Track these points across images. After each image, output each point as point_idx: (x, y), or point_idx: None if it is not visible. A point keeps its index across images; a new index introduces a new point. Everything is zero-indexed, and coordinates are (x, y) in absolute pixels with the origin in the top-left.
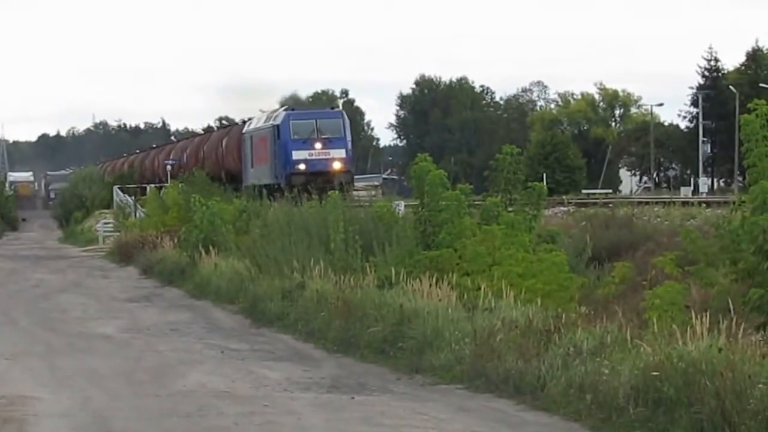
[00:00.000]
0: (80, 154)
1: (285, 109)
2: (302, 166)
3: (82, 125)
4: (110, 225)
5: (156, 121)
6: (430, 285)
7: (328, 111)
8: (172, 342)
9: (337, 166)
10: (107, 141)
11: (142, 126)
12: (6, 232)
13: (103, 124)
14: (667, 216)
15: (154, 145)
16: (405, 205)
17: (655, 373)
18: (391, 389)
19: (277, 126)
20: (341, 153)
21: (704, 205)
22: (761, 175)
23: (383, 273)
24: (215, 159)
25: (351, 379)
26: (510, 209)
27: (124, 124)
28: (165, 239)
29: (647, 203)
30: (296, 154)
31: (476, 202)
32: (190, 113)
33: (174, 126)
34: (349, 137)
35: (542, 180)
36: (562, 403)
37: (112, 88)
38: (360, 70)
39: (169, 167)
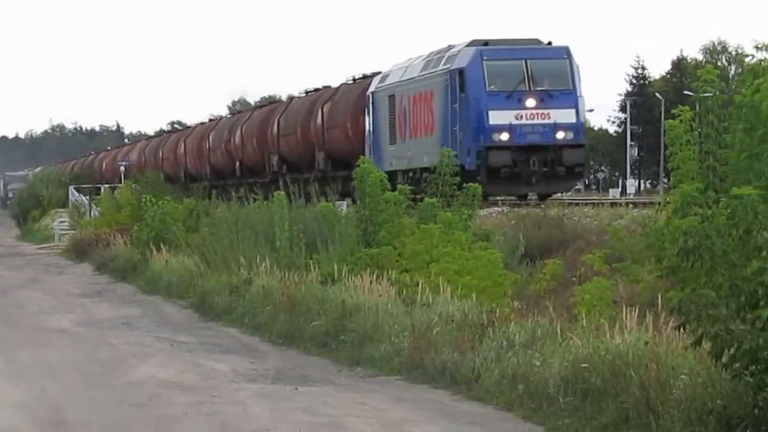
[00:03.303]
0: (38, 156)
1: (470, 44)
2: (505, 136)
3: (40, 128)
4: (66, 223)
5: (111, 124)
6: (371, 281)
7: (544, 48)
8: (124, 335)
9: (561, 136)
10: (64, 143)
11: (97, 129)
12: None
13: (60, 127)
14: (596, 216)
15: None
16: (347, 205)
17: (583, 365)
18: (333, 380)
19: (460, 71)
20: (569, 115)
21: (631, 205)
22: (684, 178)
23: (326, 269)
24: (302, 136)
25: (295, 371)
26: (447, 209)
27: (80, 127)
28: (118, 237)
29: (577, 204)
30: (495, 117)
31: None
32: (143, 116)
33: (128, 129)
34: (580, 91)
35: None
36: (495, 394)
37: (68, 92)
38: (311, 77)
39: (122, 168)
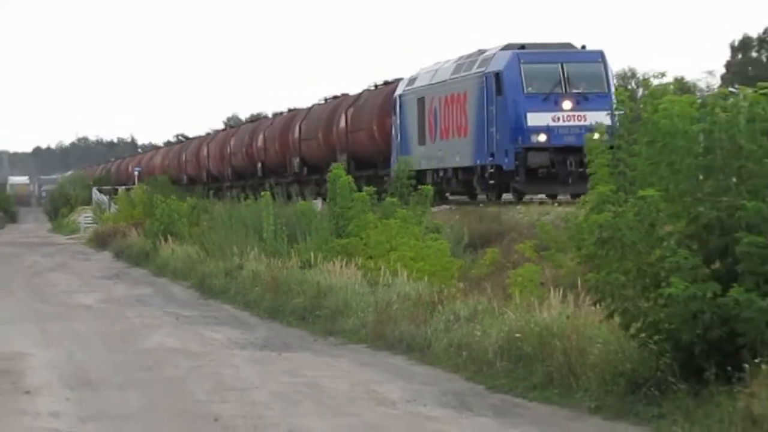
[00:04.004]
0: (67, 163)
1: (505, 47)
2: (542, 138)
3: (68, 139)
4: (90, 218)
5: (126, 136)
6: (341, 266)
7: (579, 51)
8: (138, 310)
9: (597, 137)
10: (87, 152)
11: (115, 140)
12: (7, 224)
13: (84, 139)
14: (527, 213)
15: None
16: (321, 203)
17: (516, 335)
18: (310, 348)
19: (497, 74)
20: (605, 118)
21: (556, 204)
22: (600, 181)
23: (304, 257)
24: (323, 139)
25: (278, 340)
26: (404, 207)
27: (101, 139)
28: (133, 230)
29: (512, 203)
30: (533, 118)
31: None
32: (152, 130)
33: (140, 140)
34: (614, 95)
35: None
36: (444, 359)
37: (91, 109)
38: (294, 97)
39: (136, 173)
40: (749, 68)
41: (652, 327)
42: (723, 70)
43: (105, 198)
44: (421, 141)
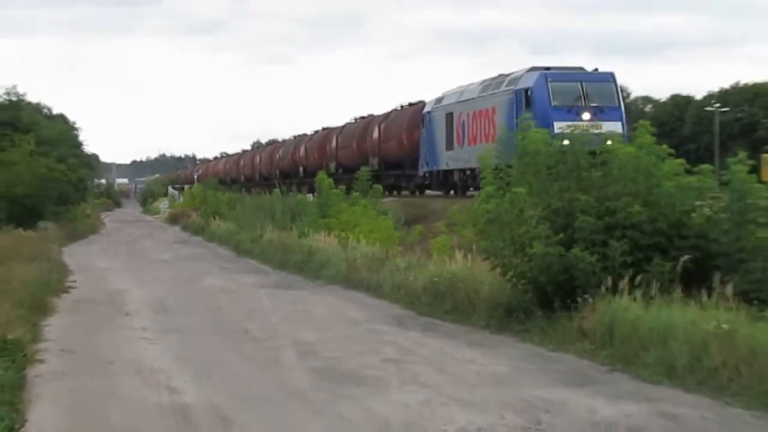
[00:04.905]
0: (152, 170)
1: (531, 69)
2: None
3: (152, 155)
4: (166, 205)
5: (189, 152)
6: (325, 236)
7: (595, 73)
8: (197, 263)
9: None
10: (165, 163)
11: (182, 156)
12: (115, 209)
13: (163, 154)
14: (442, 203)
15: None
16: (313, 196)
17: (435, 279)
18: (305, 287)
19: (527, 90)
20: (617, 127)
21: (461, 197)
22: (488, 182)
23: (301, 230)
24: (356, 148)
25: (285, 282)
26: (364, 198)
27: (173, 154)
28: (194, 213)
29: (433, 197)
30: (558, 127)
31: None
32: (206, 148)
33: (198, 155)
34: (623, 108)
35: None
36: (389, 294)
37: (168, 133)
38: (299, 124)
39: (195, 176)
40: None
41: (521, 275)
42: None
43: (176, 192)
44: (449, 147)
